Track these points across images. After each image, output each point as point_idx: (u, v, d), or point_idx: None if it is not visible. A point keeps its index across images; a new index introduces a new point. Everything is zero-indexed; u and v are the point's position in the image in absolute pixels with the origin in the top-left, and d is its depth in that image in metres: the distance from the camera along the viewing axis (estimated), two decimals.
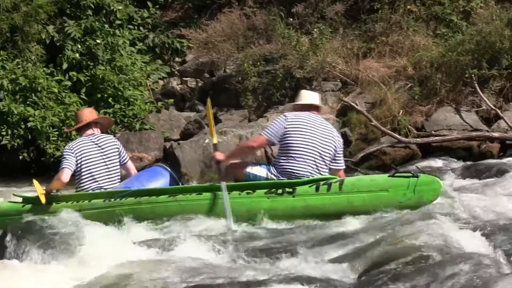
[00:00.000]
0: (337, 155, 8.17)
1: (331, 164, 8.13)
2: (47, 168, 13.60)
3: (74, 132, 12.70)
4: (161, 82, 17.47)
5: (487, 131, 14.25)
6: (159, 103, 16.25)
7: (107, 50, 15.52)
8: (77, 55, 15.32)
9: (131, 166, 9.08)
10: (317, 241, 6.54)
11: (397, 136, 14.05)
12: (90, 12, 15.90)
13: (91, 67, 15.35)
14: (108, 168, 8.69)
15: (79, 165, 8.59)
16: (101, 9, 16.20)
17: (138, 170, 9.47)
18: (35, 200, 8.67)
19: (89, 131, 8.88)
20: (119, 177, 8.80)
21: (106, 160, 8.69)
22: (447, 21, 16.75)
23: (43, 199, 8.44)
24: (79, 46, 15.37)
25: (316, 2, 17.51)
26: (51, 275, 5.90)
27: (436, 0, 16.94)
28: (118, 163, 8.81)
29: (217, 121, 15.26)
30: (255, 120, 15.25)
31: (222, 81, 16.78)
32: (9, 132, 14.13)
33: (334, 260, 5.92)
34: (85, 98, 15.13)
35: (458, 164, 12.83)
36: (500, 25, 15.41)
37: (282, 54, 16.23)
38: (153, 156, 14.01)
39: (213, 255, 6.35)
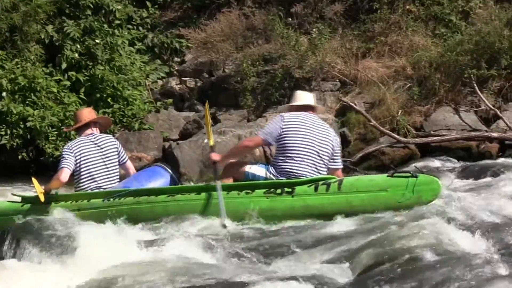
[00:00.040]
0: (335, 154, 8.19)
1: (329, 163, 8.14)
2: (46, 168, 13.60)
3: (73, 132, 12.70)
4: (160, 82, 17.45)
5: (486, 131, 14.24)
6: (158, 103, 16.26)
7: (106, 50, 15.52)
8: (76, 55, 15.33)
9: (130, 166, 9.09)
10: (316, 241, 6.54)
11: (396, 136, 14.05)
12: (89, 12, 15.89)
13: (90, 67, 15.35)
14: (107, 167, 8.69)
15: (78, 164, 8.59)
16: (100, 9, 16.19)
17: (137, 170, 9.47)
18: (34, 200, 8.68)
19: (88, 131, 8.89)
20: (118, 177, 8.81)
21: (105, 159, 8.69)
22: (446, 21, 16.74)
23: (42, 198, 8.44)
24: (78, 46, 15.38)
25: (315, 2, 17.50)
26: (49, 274, 5.90)
27: (435, 0, 16.94)
28: (117, 163, 8.81)
29: (216, 120, 15.29)
30: (254, 120, 15.24)
31: (221, 81, 16.77)
32: (8, 131, 14.13)
33: (332, 260, 5.93)
34: (84, 98, 15.13)
35: (457, 164, 12.84)
36: (499, 25, 15.40)
37: (281, 54, 16.22)
38: (152, 156, 14.01)
39: (211, 255, 6.35)
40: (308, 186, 7.67)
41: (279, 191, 7.70)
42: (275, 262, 6.09)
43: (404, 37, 16.36)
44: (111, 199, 8.22)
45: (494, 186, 9.78)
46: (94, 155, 8.65)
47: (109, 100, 15.21)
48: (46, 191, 8.51)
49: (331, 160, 8.17)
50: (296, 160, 7.96)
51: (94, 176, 8.62)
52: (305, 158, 7.96)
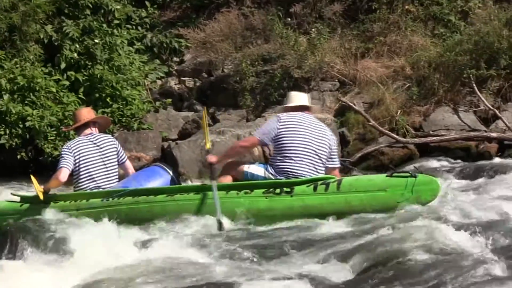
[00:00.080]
0: (332, 153, 8.23)
1: (327, 162, 8.16)
2: (45, 168, 13.59)
3: (72, 132, 12.69)
4: (159, 82, 17.46)
5: (485, 131, 14.25)
6: (157, 103, 16.25)
7: (105, 50, 15.52)
8: (75, 54, 15.32)
9: (129, 165, 9.09)
10: (315, 241, 6.54)
11: (395, 136, 14.05)
12: (88, 11, 15.88)
13: (89, 66, 15.35)
14: (106, 167, 8.69)
15: (77, 164, 8.59)
16: (99, 9, 16.19)
17: (136, 170, 9.47)
18: (33, 200, 8.68)
19: (87, 131, 8.89)
20: (117, 176, 8.80)
21: (104, 159, 8.69)
22: (445, 21, 16.75)
23: (41, 196, 8.44)
24: (77, 46, 15.37)
25: (314, 2, 17.50)
26: (48, 274, 5.89)
27: (434, 0, 16.95)
28: (116, 163, 8.81)
29: (215, 120, 15.31)
30: (253, 120, 15.24)
31: (220, 81, 16.77)
32: (7, 131, 14.11)
33: (331, 260, 5.92)
34: (83, 97, 15.13)
35: (456, 164, 12.83)
36: (498, 25, 15.40)
37: (280, 54, 16.22)
38: (151, 156, 14.01)
39: (210, 255, 6.35)
40: (307, 186, 7.67)
41: (278, 191, 7.70)
42: (273, 262, 6.09)
43: (403, 37, 16.36)
44: (110, 199, 8.22)
45: (493, 186, 9.78)
46: (93, 155, 8.65)
47: (108, 100, 15.21)
48: (45, 190, 8.52)
49: (329, 159, 8.18)
50: (294, 160, 7.97)
51: (93, 176, 8.61)
52: (303, 158, 7.98)
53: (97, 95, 15.23)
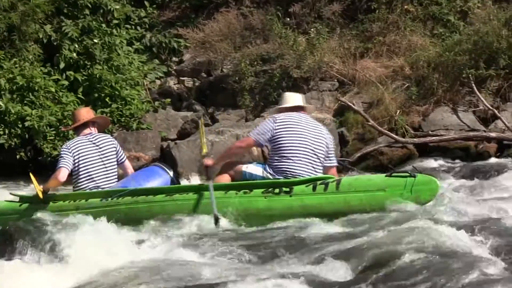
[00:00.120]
0: (329, 152, 8.24)
1: (325, 161, 8.17)
2: (44, 167, 13.58)
3: (71, 132, 12.71)
4: (158, 82, 17.46)
5: (484, 131, 14.25)
6: (156, 103, 16.25)
7: (104, 50, 15.52)
8: (74, 54, 15.32)
9: (128, 165, 9.08)
10: (313, 241, 6.53)
11: (394, 136, 14.06)
12: (87, 11, 15.88)
13: (88, 66, 15.35)
14: (105, 167, 8.68)
15: (76, 164, 8.59)
16: (98, 9, 16.18)
17: (135, 170, 9.47)
18: (32, 200, 8.68)
19: (86, 131, 8.88)
20: (116, 176, 8.80)
21: (103, 159, 8.68)
22: (444, 21, 16.75)
23: (40, 194, 8.44)
24: (76, 46, 15.37)
25: (313, 2, 17.50)
26: (47, 274, 5.89)
27: (433, 0, 16.95)
28: (115, 163, 8.81)
29: (214, 120, 15.32)
30: (252, 119, 15.25)
31: (219, 81, 16.78)
32: (7, 131, 14.12)
33: (329, 260, 5.90)
34: (82, 97, 15.13)
35: (455, 164, 12.84)
36: (497, 25, 15.40)
37: (279, 54, 16.23)
38: (150, 156, 14.02)
39: (208, 255, 6.33)
40: (306, 186, 7.66)
41: (277, 190, 7.70)
42: (272, 262, 6.08)
43: (402, 37, 16.37)
44: (109, 199, 8.22)
45: (492, 186, 9.78)
46: (92, 154, 8.65)
47: (107, 99, 15.22)
48: (44, 190, 8.52)
49: (326, 158, 8.20)
50: (292, 160, 7.98)
51: (93, 176, 8.61)
52: (301, 157, 7.98)
53: (96, 95, 15.23)
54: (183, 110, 16.58)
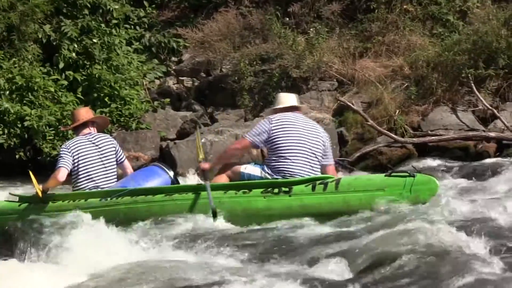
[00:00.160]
0: (326, 150, 8.24)
1: (322, 160, 8.18)
2: (43, 167, 13.57)
3: (70, 131, 12.72)
4: (157, 82, 17.46)
5: (484, 131, 14.24)
6: (155, 103, 16.25)
7: (104, 50, 15.53)
8: (74, 54, 15.32)
9: (127, 165, 9.08)
10: (312, 241, 6.54)
11: (394, 136, 14.05)
12: (86, 11, 15.89)
13: (87, 66, 15.36)
14: (105, 167, 8.68)
15: (76, 164, 8.59)
16: (97, 9, 16.20)
17: (134, 170, 9.47)
18: (31, 199, 8.68)
19: (86, 130, 8.88)
20: (115, 176, 8.80)
21: (103, 159, 8.68)
22: (443, 20, 16.74)
23: (39, 192, 8.45)
24: (76, 46, 15.38)
25: (313, 1, 17.50)
26: (46, 274, 5.90)
27: None
28: (115, 162, 8.81)
29: (213, 120, 15.31)
30: (252, 119, 15.25)
31: (218, 81, 16.78)
32: (6, 131, 14.13)
33: (328, 260, 5.91)
34: (81, 97, 15.15)
35: (454, 164, 12.82)
36: (496, 24, 15.39)
37: (278, 54, 16.23)
38: (149, 156, 14.02)
39: (208, 255, 6.36)
40: (306, 186, 7.66)
41: (276, 190, 7.70)
42: (270, 262, 6.09)
43: (402, 37, 16.36)
44: (109, 199, 8.21)
45: (492, 185, 9.79)
46: (92, 154, 8.65)
47: (106, 99, 15.22)
48: (43, 190, 8.52)
49: (324, 156, 8.21)
50: (290, 159, 7.98)
51: (92, 176, 8.61)
52: (299, 157, 7.99)
53: (95, 94, 15.24)
54: (182, 110, 16.58)
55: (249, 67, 16.12)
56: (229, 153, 8.55)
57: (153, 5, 18.55)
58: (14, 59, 14.81)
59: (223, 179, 8.19)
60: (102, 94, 15.23)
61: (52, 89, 14.63)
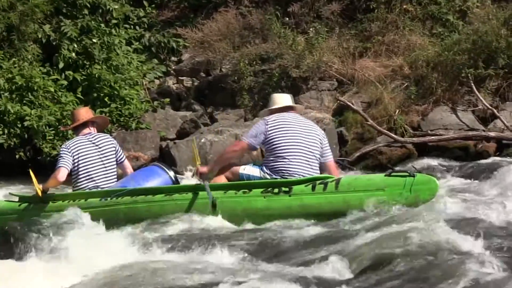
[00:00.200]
0: (324, 147, 8.24)
1: (321, 158, 8.18)
2: (43, 167, 13.56)
3: (70, 131, 12.72)
4: (157, 81, 17.46)
5: (484, 130, 14.24)
6: (155, 102, 16.24)
7: (103, 50, 15.51)
8: (73, 54, 15.31)
9: (127, 165, 9.08)
10: (311, 241, 6.55)
11: (393, 135, 14.05)
12: (86, 11, 15.88)
13: (87, 66, 15.35)
14: (105, 167, 8.69)
15: (76, 164, 8.59)
16: (97, 8, 16.19)
17: (134, 169, 9.47)
18: (31, 199, 8.69)
19: (86, 130, 8.89)
20: (115, 176, 8.81)
21: (103, 159, 8.69)
22: (443, 20, 16.75)
23: (39, 191, 8.46)
24: (75, 45, 15.36)
25: (312, 1, 17.50)
26: (46, 274, 5.90)
27: None
28: (115, 162, 8.82)
29: (213, 120, 15.31)
30: (251, 119, 15.24)
31: (218, 81, 16.78)
32: (6, 131, 14.12)
33: (327, 260, 5.90)
34: (81, 97, 15.13)
35: (454, 164, 12.83)
36: (496, 24, 15.39)
37: (278, 54, 16.24)
38: (149, 155, 14.01)
39: (207, 255, 6.35)
40: (306, 186, 7.66)
41: (276, 190, 7.70)
42: (270, 262, 6.09)
43: (401, 37, 16.37)
44: (109, 199, 8.22)
45: (491, 185, 9.77)
46: (92, 154, 8.65)
47: (106, 99, 15.21)
48: (43, 190, 8.52)
49: (323, 154, 8.22)
50: (288, 159, 7.99)
51: (92, 176, 8.61)
52: (296, 156, 8.00)
53: (95, 94, 15.23)
54: (182, 109, 16.58)
55: (248, 67, 16.13)
56: (226, 156, 8.53)
57: (153, 5, 18.55)
58: (14, 59, 14.79)
59: (222, 180, 8.19)
60: (102, 94, 15.22)
61: (52, 89, 14.62)
